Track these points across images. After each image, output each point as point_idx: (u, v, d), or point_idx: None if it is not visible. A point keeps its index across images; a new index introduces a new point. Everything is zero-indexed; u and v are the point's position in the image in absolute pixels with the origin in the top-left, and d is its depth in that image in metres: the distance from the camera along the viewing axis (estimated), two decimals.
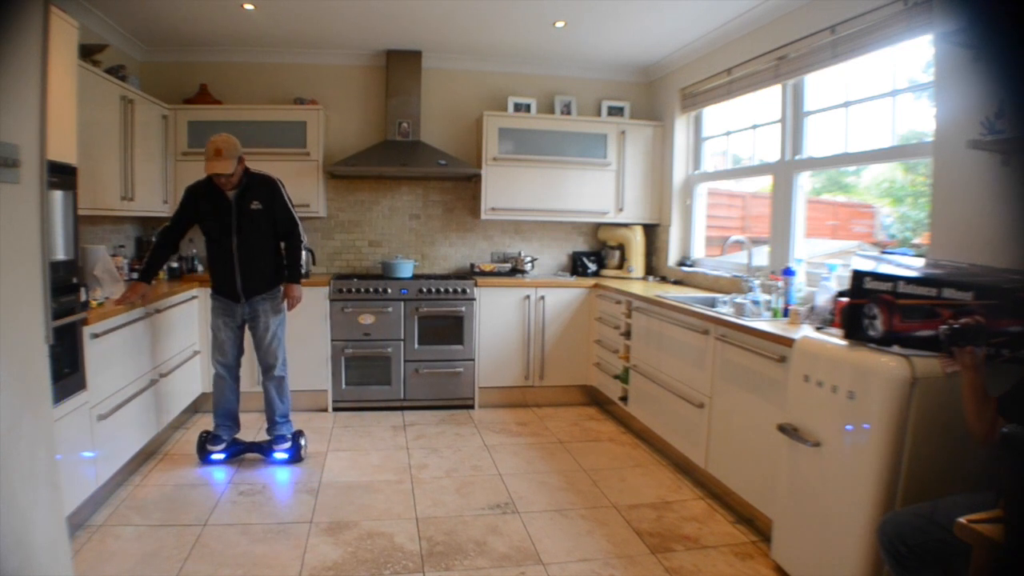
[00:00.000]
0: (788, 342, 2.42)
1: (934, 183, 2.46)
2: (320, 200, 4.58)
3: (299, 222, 3.40)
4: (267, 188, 3.32)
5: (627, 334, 4.01)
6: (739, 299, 3.13)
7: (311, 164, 4.47)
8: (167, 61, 4.58)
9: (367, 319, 4.33)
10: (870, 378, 1.95)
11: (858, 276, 1.97)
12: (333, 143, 4.77)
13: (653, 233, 5.03)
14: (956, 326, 1.70)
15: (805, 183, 3.53)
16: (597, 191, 4.83)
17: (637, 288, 4.17)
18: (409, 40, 4.49)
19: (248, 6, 3.76)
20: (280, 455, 3.41)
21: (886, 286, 1.91)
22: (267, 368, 3.45)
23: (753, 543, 2.65)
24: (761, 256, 3.71)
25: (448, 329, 4.43)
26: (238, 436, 3.49)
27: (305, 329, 4.19)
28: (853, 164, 3.31)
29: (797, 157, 3.50)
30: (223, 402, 3.42)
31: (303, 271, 3.54)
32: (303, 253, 3.45)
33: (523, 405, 4.62)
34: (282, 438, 3.44)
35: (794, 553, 2.32)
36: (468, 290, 4.43)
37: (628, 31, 4.15)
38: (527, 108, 4.91)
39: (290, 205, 3.38)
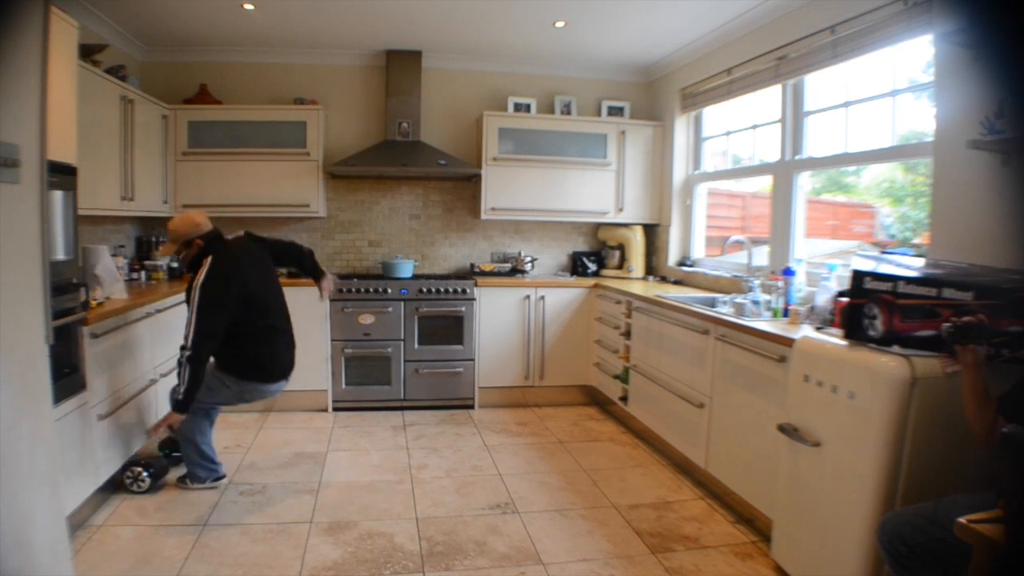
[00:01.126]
0: (788, 342, 2.42)
1: (934, 183, 2.46)
2: (320, 200, 4.58)
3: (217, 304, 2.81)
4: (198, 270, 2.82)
5: (627, 334, 4.01)
6: (739, 299, 3.13)
7: (311, 164, 4.48)
8: (167, 61, 4.58)
9: (367, 319, 4.33)
10: (870, 378, 1.95)
11: (858, 276, 1.97)
12: (333, 143, 4.77)
13: (653, 233, 5.03)
14: (959, 324, 1.70)
15: (805, 183, 3.53)
16: (597, 191, 4.83)
17: (637, 288, 4.17)
18: (409, 40, 4.49)
19: (248, 6, 3.76)
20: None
21: (886, 286, 1.91)
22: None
23: (753, 543, 2.65)
24: (761, 256, 3.70)
25: (448, 329, 4.43)
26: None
27: (305, 329, 4.17)
28: (853, 164, 3.31)
29: (797, 157, 3.50)
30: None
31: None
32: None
33: (523, 405, 4.62)
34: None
35: (794, 553, 2.32)
36: (468, 290, 4.43)
37: (628, 31, 4.15)
38: (527, 108, 4.90)
39: (205, 291, 2.77)
